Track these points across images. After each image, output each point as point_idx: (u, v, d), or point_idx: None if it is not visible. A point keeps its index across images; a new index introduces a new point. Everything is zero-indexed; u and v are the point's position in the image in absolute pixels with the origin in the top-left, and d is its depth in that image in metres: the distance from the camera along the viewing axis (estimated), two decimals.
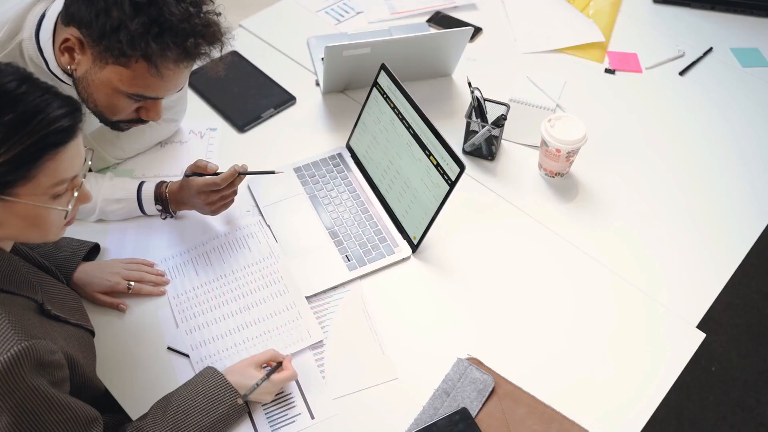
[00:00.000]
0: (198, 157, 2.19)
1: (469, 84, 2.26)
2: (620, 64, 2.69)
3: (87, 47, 1.63)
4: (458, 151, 2.26)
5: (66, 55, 1.67)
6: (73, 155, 1.36)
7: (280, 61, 2.61)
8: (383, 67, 2.12)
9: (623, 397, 1.79)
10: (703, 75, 2.69)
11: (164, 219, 2.05)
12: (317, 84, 2.52)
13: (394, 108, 2.07)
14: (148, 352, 1.83)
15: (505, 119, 2.20)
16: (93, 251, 1.96)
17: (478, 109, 2.26)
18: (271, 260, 2.01)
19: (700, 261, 2.08)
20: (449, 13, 2.83)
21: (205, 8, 1.65)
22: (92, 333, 1.70)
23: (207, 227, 2.08)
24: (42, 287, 1.55)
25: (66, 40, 1.65)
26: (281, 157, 2.25)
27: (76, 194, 1.42)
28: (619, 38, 2.82)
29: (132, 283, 1.90)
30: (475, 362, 1.82)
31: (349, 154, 2.27)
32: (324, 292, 1.96)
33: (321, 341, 1.86)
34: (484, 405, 1.75)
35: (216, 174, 1.92)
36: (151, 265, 1.97)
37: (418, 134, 2.00)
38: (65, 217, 1.44)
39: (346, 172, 2.22)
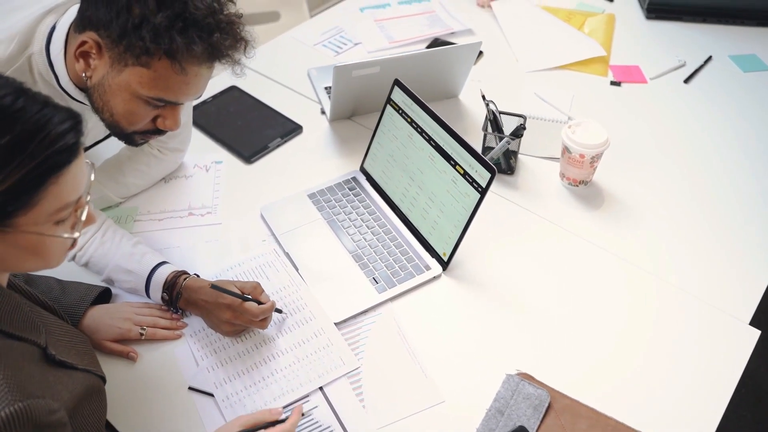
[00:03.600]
0: (204, 190, 2.00)
1: (483, 97, 2.05)
2: (625, 76, 2.49)
3: (105, 50, 1.44)
4: None
5: (81, 61, 1.47)
6: (77, 175, 1.13)
7: (282, 93, 2.38)
8: (397, 82, 1.91)
9: (688, 400, 1.57)
10: (708, 82, 2.52)
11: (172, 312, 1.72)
12: (323, 112, 2.29)
13: (411, 122, 1.85)
14: (168, 395, 1.56)
15: (524, 128, 1.97)
16: (104, 295, 1.69)
17: (494, 122, 2.04)
18: (292, 288, 1.75)
19: (737, 259, 1.88)
20: (447, 39, 2.62)
21: (227, 10, 1.48)
22: (103, 379, 1.42)
23: (220, 259, 1.83)
24: (46, 328, 1.28)
25: (83, 43, 1.45)
26: (293, 184, 2.02)
27: (83, 218, 1.19)
28: (618, 53, 2.63)
29: (144, 328, 1.63)
30: (527, 377, 1.57)
31: (364, 178, 2.03)
32: (354, 317, 1.71)
33: (357, 368, 1.59)
34: (542, 422, 1.50)
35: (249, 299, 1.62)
36: (166, 310, 1.69)
37: (441, 145, 1.78)
38: (72, 245, 1.20)
39: (363, 194, 1.98)
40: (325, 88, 2.33)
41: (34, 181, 1.05)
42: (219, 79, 2.35)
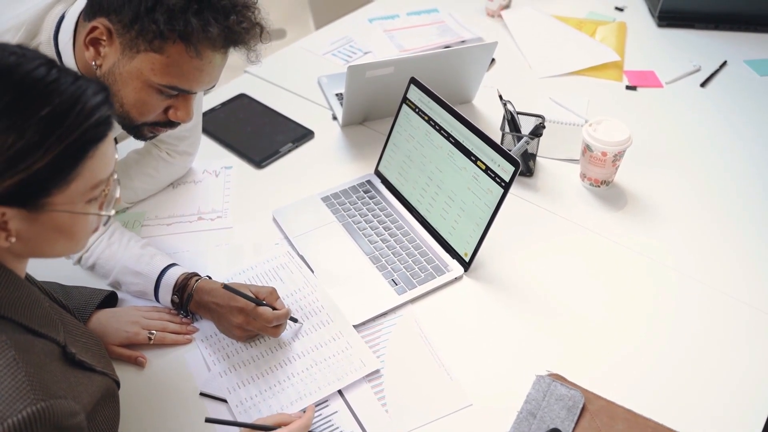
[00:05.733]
0: (214, 195, 1.90)
1: (500, 97, 1.94)
2: (640, 81, 2.39)
3: (116, 36, 1.34)
4: None
5: (91, 49, 1.37)
6: (108, 150, 1.06)
7: (293, 100, 2.27)
8: (413, 81, 1.81)
9: (729, 402, 1.45)
10: (724, 86, 2.42)
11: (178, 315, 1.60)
12: (334, 118, 2.19)
13: (429, 120, 1.76)
14: (178, 401, 1.43)
15: (544, 127, 1.87)
16: (110, 300, 1.58)
17: (512, 122, 1.93)
18: (307, 290, 1.64)
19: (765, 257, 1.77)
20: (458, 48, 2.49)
21: None
22: (118, 384, 1.31)
23: (231, 262, 1.72)
24: (64, 325, 1.19)
25: (93, 29, 1.35)
26: (305, 189, 1.91)
27: (116, 194, 1.12)
28: (631, 59, 2.53)
29: (153, 332, 1.51)
30: (558, 378, 1.45)
31: (380, 180, 1.92)
32: (373, 319, 1.59)
33: (378, 371, 1.48)
34: (577, 424, 1.38)
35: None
36: (176, 314, 1.58)
37: (461, 141, 1.68)
38: (105, 223, 1.15)
39: (378, 197, 1.87)
40: (336, 95, 2.24)
41: (73, 155, 0.99)
42: (228, 87, 2.26)
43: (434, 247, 1.73)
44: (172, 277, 1.55)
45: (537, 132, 1.88)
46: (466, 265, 1.67)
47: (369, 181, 1.91)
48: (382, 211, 1.82)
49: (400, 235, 1.76)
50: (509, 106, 1.93)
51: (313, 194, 1.88)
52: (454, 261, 1.69)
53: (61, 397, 1.01)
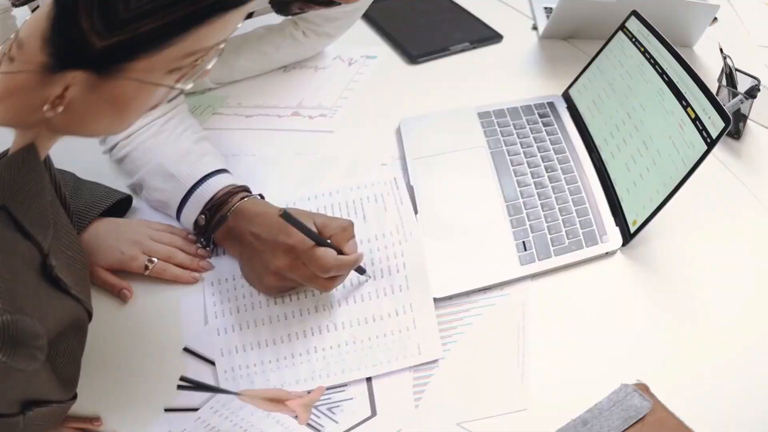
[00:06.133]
0: (332, 87, 1.52)
1: (721, 50, 1.57)
2: None
3: None
4: None
5: None
6: (235, 20, 0.80)
7: (491, 2, 1.86)
8: (635, 14, 1.42)
9: None
10: None
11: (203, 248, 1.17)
12: (534, 28, 1.77)
13: (645, 52, 1.34)
14: (155, 352, 1.06)
15: (759, 90, 1.46)
16: (122, 207, 1.23)
17: (729, 77, 1.57)
18: (396, 237, 1.15)
19: None
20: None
21: None
22: (90, 315, 1.00)
23: (308, 179, 1.29)
24: (56, 229, 0.93)
25: None
26: (463, 97, 1.48)
27: (208, 66, 0.83)
28: None
29: (154, 260, 1.13)
30: (641, 387, 1.03)
31: (565, 105, 1.45)
32: (466, 294, 1.10)
33: (435, 362, 1.03)
34: None
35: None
36: (193, 242, 1.17)
37: (675, 82, 1.24)
38: (170, 99, 0.90)
39: (555, 125, 1.39)
40: (545, 9, 1.83)
41: (195, 18, 0.74)
42: None
43: (601, 205, 1.24)
44: (211, 188, 1.12)
45: (752, 93, 1.47)
46: (629, 237, 1.18)
47: (551, 103, 1.44)
48: (553, 144, 1.34)
49: (563, 182, 1.27)
50: (728, 61, 1.52)
51: (469, 106, 1.43)
52: (616, 229, 1.19)
53: (29, 315, 0.84)
